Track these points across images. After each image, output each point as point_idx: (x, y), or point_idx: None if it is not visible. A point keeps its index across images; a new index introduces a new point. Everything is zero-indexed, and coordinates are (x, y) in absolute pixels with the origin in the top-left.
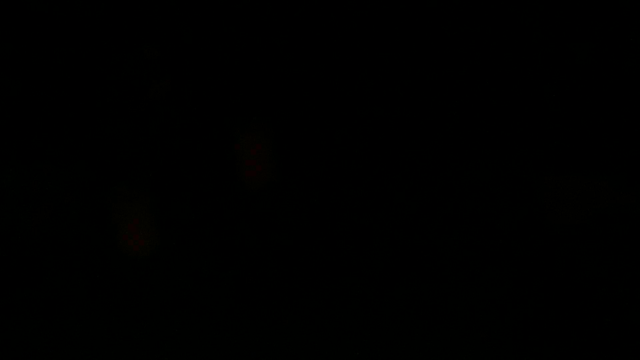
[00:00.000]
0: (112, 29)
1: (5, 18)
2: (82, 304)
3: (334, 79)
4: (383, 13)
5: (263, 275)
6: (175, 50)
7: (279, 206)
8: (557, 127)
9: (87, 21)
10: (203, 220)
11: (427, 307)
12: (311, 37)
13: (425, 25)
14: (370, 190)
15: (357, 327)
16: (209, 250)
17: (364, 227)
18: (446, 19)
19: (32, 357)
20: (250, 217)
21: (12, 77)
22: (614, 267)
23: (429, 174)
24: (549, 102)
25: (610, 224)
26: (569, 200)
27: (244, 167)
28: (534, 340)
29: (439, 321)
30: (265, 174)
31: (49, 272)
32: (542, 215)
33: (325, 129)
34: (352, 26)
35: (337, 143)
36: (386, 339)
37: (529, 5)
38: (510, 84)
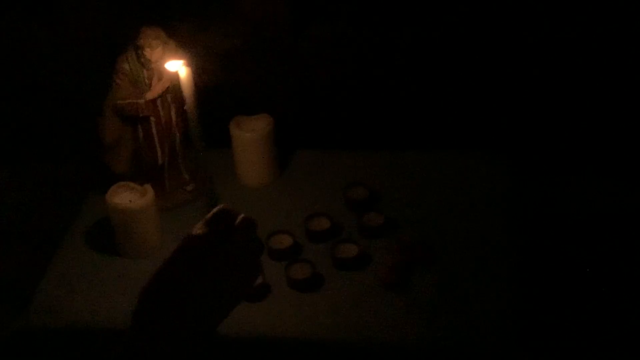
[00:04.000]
0: (112, 28)
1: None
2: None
3: (333, 78)
4: (383, 12)
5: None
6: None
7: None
8: (557, 128)
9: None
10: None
11: (426, 307)
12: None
13: (425, 24)
14: (370, 187)
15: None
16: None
17: (364, 226)
18: (447, 18)
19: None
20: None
21: (10, 77)
22: (614, 267)
23: (428, 174)
24: (549, 103)
25: (610, 224)
26: (568, 200)
27: (243, 166)
28: (534, 341)
29: (437, 321)
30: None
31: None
32: (542, 214)
33: (324, 127)
34: (352, 25)
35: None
36: (384, 333)
37: (532, 3)
38: (510, 84)
